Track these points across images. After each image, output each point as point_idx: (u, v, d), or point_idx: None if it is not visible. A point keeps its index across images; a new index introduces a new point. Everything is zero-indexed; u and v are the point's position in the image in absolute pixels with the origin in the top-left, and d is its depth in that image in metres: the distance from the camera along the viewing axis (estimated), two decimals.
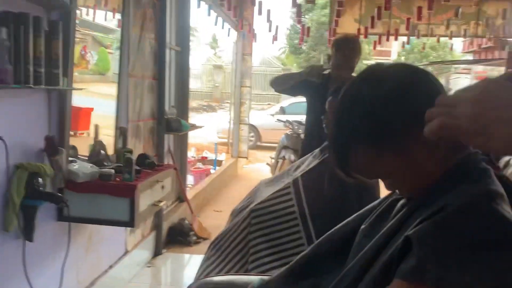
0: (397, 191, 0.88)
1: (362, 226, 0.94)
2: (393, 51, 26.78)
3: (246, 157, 8.07)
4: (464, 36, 6.23)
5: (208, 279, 1.37)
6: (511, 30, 6.23)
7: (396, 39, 5.86)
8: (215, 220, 4.81)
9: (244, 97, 7.75)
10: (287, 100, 11.83)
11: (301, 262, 1.02)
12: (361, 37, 6.02)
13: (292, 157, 6.19)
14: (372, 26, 5.53)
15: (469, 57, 11.00)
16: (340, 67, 2.51)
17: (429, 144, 0.74)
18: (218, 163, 6.96)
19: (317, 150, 2.39)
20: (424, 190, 0.79)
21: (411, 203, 0.82)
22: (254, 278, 1.10)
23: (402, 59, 26.16)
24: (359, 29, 5.98)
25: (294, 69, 25.69)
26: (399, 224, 0.79)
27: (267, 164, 7.10)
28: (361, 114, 0.79)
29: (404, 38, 6.60)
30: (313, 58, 25.46)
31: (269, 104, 22.08)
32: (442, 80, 11.75)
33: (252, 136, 8.87)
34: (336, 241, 0.99)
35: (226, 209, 5.33)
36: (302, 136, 6.38)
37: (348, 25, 6.31)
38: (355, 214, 1.02)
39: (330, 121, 0.88)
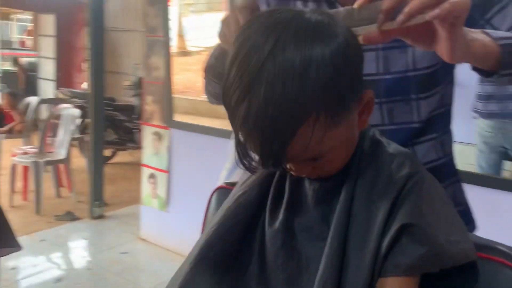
0: (304, 175, 0.69)
1: (268, 229, 0.71)
2: None
3: None
4: None
5: None
6: None
7: None
8: None
9: None
10: None
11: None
12: None
13: None
14: None
15: None
16: None
17: (359, 108, 0.65)
18: None
19: None
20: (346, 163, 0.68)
21: (336, 182, 0.68)
22: None
23: None
24: None
25: None
26: (347, 211, 0.66)
27: None
28: (321, 78, 0.57)
29: None
30: None
31: None
32: None
33: None
34: (228, 247, 0.72)
35: None
36: None
37: None
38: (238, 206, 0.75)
39: (267, 96, 0.55)
